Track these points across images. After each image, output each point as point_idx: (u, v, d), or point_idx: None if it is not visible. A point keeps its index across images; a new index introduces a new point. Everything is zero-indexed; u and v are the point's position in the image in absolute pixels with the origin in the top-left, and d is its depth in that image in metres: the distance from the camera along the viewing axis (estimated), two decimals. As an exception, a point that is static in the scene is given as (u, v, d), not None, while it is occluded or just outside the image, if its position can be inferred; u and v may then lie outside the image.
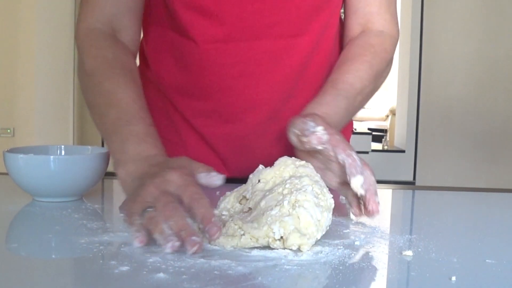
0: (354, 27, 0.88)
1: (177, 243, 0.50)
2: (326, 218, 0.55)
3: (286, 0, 0.81)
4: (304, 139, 0.63)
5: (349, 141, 1.03)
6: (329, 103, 0.74)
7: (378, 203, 0.60)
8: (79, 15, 0.85)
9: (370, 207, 0.59)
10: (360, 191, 0.59)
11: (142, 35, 0.92)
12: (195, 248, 0.50)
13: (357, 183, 0.59)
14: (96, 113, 0.77)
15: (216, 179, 0.60)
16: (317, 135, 0.61)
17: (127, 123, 0.70)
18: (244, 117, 0.86)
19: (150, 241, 0.53)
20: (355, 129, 4.11)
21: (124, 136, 0.68)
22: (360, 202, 0.62)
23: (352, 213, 0.64)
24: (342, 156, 0.60)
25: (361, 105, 0.82)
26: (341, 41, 0.92)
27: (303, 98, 0.87)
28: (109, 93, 0.74)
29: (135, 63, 0.84)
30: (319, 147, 0.62)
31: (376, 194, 0.60)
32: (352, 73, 0.79)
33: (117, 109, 0.72)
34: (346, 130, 1.01)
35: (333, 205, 0.58)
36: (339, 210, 0.69)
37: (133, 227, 0.54)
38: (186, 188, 0.55)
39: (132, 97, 0.74)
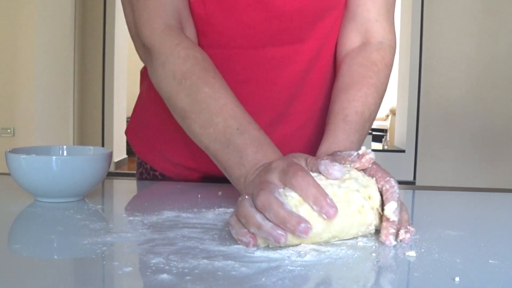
0: (352, 34, 0.85)
1: (283, 239, 0.50)
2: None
3: (289, 9, 0.80)
4: (357, 165, 0.60)
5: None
6: (343, 141, 0.71)
7: (411, 231, 0.58)
8: (142, 12, 0.78)
9: (388, 242, 0.56)
10: (392, 217, 0.56)
11: None
12: (305, 234, 0.50)
13: (391, 209, 0.56)
14: (196, 122, 0.71)
15: (337, 171, 0.56)
16: (368, 156, 0.59)
17: (239, 132, 0.67)
18: None
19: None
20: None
21: (240, 147, 0.66)
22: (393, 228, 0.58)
23: (380, 238, 0.58)
24: (381, 183, 0.58)
25: (368, 130, 0.80)
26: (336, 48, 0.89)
27: (307, 102, 0.87)
28: (210, 98, 0.70)
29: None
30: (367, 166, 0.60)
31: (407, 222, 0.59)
32: (360, 100, 0.76)
33: (223, 117, 0.68)
34: None
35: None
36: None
37: (232, 230, 0.54)
38: (289, 169, 0.54)
39: (234, 103, 0.70)
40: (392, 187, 0.57)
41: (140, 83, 1.01)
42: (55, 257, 0.52)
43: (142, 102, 0.99)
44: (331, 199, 0.52)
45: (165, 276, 0.45)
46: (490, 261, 0.50)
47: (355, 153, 0.60)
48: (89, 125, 4.42)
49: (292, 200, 0.53)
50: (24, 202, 0.73)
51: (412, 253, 0.52)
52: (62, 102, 4.04)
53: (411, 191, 0.94)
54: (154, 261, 0.48)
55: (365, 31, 0.85)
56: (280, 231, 0.50)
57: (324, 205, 0.51)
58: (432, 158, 4.19)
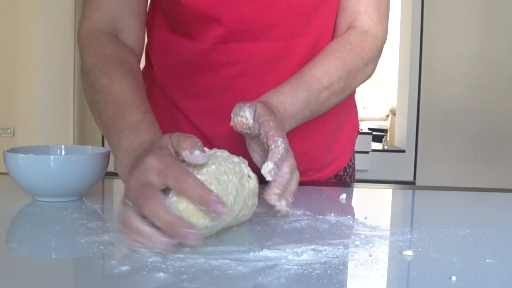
0: (341, 25, 0.87)
1: (168, 244, 0.49)
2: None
3: (285, 2, 0.80)
4: (231, 123, 0.63)
5: (354, 142, 1.03)
6: (286, 93, 0.72)
7: (285, 204, 0.60)
8: (82, 16, 0.85)
9: (270, 201, 0.60)
10: (267, 177, 0.58)
11: (146, 38, 0.91)
12: (193, 240, 0.48)
13: (265, 169, 0.58)
14: (95, 111, 0.75)
15: (199, 158, 0.54)
16: (241, 120, 0.62)
17: (122, 116, 0.68)
18: None
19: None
20: (361, 130, 4.12)
21: (119, 130, 0.67)
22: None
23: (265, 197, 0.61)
24: (269, 142, 0.60)
25: (329, 101, 0.80)
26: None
27: None
28: (106, 89, 0.73)
29: (135, 59, 0.83)
30: (245, 131, 0.63)
31: (283, 190, 0.60)
32: (321, 67, 0.78)
33: (114, 104, 0.70)
34: (352, 130, 1.01)
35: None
36: (341, 211, 0.69)
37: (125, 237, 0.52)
38: (168, 171, 0.52)
39: (129, 89, 0.72)
40: (276, 147, 0.59)
41: None
42: (53, 256, 0.52)
43: None
44: (216, 195, 0.51)
45: (161, 274, 0.45)
46: (487, 260, 0.51)
47: (243, 111, 0.63)
48: (89, 125, 4.42)
49: (177, 202, 0.52)
50: (22, 201, 0.73)
51: (409, 252, 0.52)
52: (62, 102, 4.04)
53: (411, 191, 0.94)
54: (151, 259, 0.48)
55: (352, 21, 0.86)
56: (161, 238, 0.49)
57: (211, 203, 0.50)
58: (432, 158, 4.19)
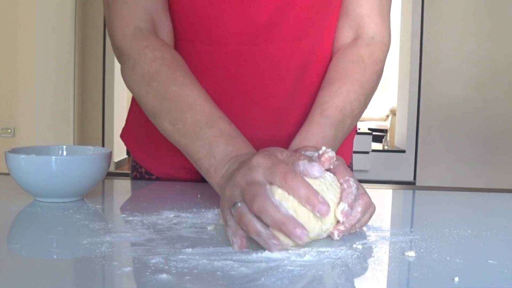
0: (345, 30, 0.86)
1: (279, 246, 0.51)
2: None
3: (286, 4, 0.79)
4: (319, 163, 0.59)
5: (352, 141, 1.03)
6: (316, 135, 0.71)
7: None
8: (115, 17, 0.80)
9: (333, 237, 0.57)
10: (340, 218, 0.56)
11: None
12: (303, 240, 0.50)
13: (339, 209, 0.56)
14: (166, 119, 0.73)
15: (316, 169, 0.55)
16: (329, 156, 0.58)
17: (208, 126, 0.68)
18: (244, 119, 0.85)
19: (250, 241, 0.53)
20: (359, 129, 4.13)
21: (209, 139, 0.67)
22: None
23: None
24: (341, 182, 0.58)
25: (351, 127, 0.80)
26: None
27: (303, 100, 0.87)
28: (178, 97, 0.71)
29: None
30: (330, 166, 0.59)
31: (354, 228, 0.58)
32: (342, 95, 0.77)
33: (192, 113, 0.70)
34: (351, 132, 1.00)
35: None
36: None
37: (229, 231, 0.54)
38: (275, 169, 0.53)
39: (204, 97, 0.72)
40: (349, 187, 0.57)
41: None
42: (55, 257, 0.52)
43: (138, 106, 0.98)
44: (322, 197, 0.52)
45: (164, 276, 0.45)
46: (489, 261, 0.50)
47: (316, 153, 0.59)
48: (89, 125, 4.42)
49: (279, 195, 0.53)
50: (23, 202, 0.73)
51: (411, 253, 0.52)
52: (62, 102, 4.05)
53: (411, 191, 0.94)
54: (153, 261, 0.48)
55: (357, 27, 0.85)
56: (274, 241, 0.51)
57: (316, 203, 0.52)
58: (432, 158, 4.19)
